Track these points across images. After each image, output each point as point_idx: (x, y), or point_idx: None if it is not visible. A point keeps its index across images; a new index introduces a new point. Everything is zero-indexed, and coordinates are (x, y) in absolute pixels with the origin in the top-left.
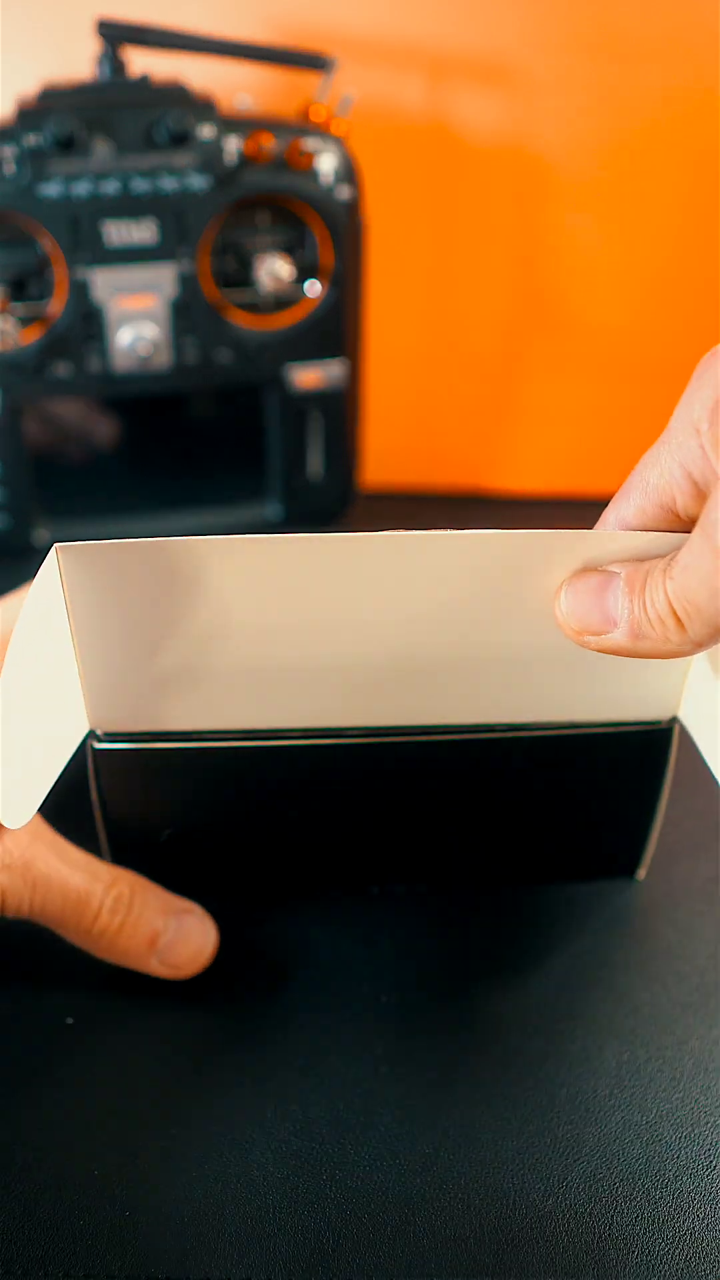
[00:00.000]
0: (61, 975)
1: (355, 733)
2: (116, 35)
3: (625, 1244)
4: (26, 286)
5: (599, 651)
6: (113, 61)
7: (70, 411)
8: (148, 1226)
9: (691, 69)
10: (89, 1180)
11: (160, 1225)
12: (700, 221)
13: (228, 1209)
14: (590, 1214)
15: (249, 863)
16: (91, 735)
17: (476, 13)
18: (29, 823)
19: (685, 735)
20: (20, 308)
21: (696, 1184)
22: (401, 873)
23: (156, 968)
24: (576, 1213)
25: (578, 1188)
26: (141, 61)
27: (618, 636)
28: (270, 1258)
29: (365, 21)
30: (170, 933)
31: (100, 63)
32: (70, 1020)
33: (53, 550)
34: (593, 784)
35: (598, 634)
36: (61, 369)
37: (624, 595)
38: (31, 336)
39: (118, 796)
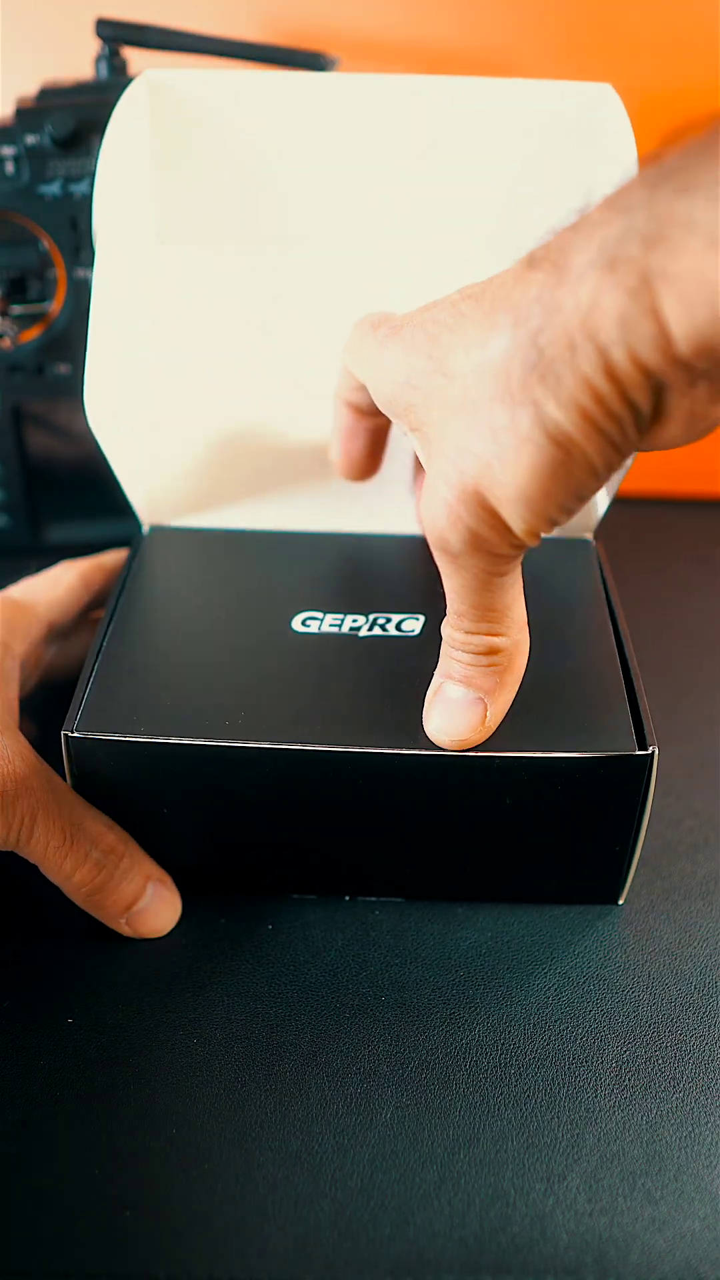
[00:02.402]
0: (61, 975)
1: (330, 740)
2: (116, 35)
3: (625, 1244)
4: (26, 286)
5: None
6: (112, 61)
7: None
8: (148, 1226)
9: (692, 68)
10: (89, 1180)
11: (160, 1225)
12: None
13: (227, 1209)
14: (590, 1214)
15: (214, 861)
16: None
17: (476, 13)
18: (27, 755)
19: (673, 761)
20: (20, 308)
21: (696, 1184)
22: (374, 884)
23: (121, 927)
24: (576, 1213)
25: (578, 1188)
26: (141, 61)
27: (494, 713)
28: (270, 1257)
29: (365, 21)
30: (145, 900)
31: (100, 63)
32: (71, 1019)
33: (138, 82)
34: (567, 811)
35: (479, 730)
36: (61, 369)
37: (470, 696)
38: (31, 336)
39: (89, 786)
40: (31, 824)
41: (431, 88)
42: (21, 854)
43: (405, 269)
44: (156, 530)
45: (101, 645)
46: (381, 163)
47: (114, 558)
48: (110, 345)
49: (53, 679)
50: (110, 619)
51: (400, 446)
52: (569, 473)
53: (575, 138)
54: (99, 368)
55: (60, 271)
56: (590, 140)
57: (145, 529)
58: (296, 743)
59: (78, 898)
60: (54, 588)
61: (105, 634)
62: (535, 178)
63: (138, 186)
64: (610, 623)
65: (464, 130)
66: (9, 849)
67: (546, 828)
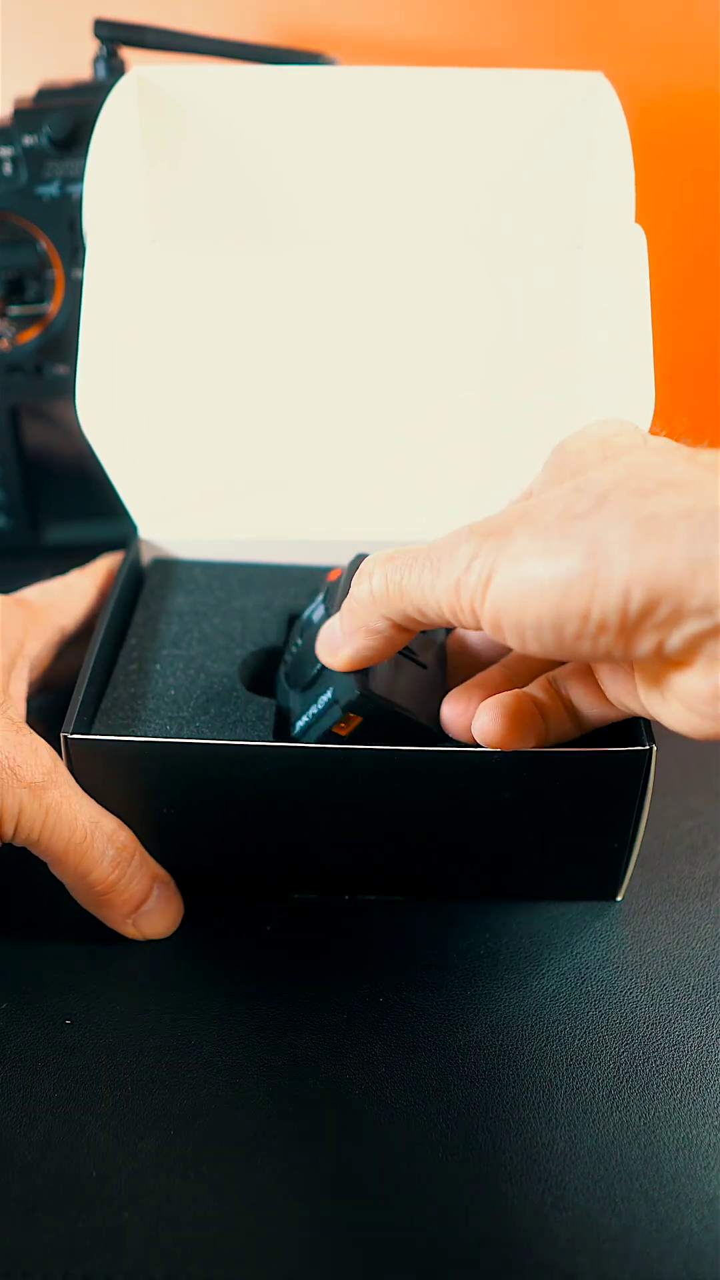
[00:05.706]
0: (61, 975)
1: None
2: (114, 36)
3: (625, 1244)
4: (25, 287)
5: None
6: (111, 62)
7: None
8: (148, 1226)
9: (691, 67)
10: (89, 1180)
11: (160, 1225)
12: (699, 219)
13: (226, 1209)
14: (590, 1214)
15: (213, 861)
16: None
17: (476, 13)
18: (48, 750)
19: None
20: (18, 308)
21: (695, 1185)
22: (373, 883)
23: (127, 928)
24: (576, 1213)
25: (577, 1189)
26: (140, 62)
27: None
28: (269, 1258)
29: (365, 21)
30: (152, 901)
31: (98, 63)
32: (70, 1020)
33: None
34: (566, 806)
35: None
36: (60, 369)
37: None
38: (29, 337)
39: (89, 787)
40: (56, 817)
41: (423, 80)
42: (38, 849)
43: (400, 263)
44: (158, 561)
45: (99, 647)
46: (374, 156)
47: (116, 560)
48: (103, 346)
49: (51, 685)
50: (106, 624)
51: (381, 441)
52: None
53: (569, 128)
54: (91, 368)
55: (58, 272)
56: (584, 130)
57: (140, 530)
58: (296, 742)
59: (88, 897)
60: (69, 594)
61: (101, 637)
62: (529, 168)
63: (129, 185)
64: None
65: (457, 122)
66: (27, 844)
67: (546, 823)
